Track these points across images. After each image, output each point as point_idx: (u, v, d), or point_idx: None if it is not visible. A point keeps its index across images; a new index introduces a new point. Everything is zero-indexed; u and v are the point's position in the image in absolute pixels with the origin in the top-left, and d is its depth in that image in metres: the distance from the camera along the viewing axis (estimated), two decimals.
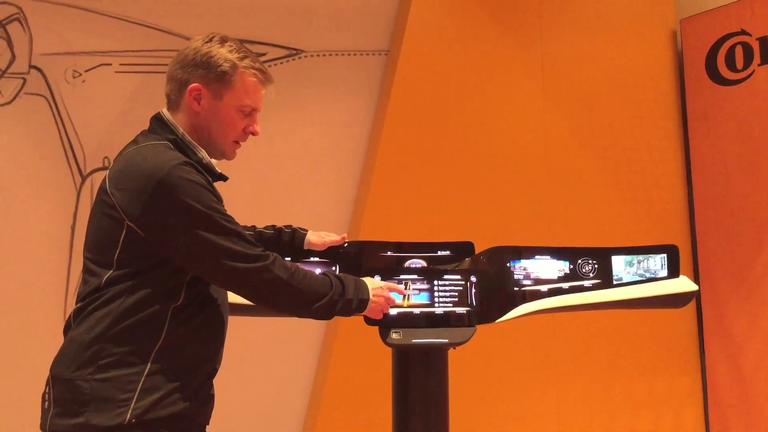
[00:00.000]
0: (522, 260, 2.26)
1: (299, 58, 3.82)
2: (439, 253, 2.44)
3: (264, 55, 3.75)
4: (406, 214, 3.70)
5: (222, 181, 1.82)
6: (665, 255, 2.36)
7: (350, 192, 3.80)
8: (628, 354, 4.07)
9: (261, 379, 3.62)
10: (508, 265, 2.24)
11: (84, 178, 3.48)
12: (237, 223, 1.69)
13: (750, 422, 3.95)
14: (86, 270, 1.69)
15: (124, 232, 1.62)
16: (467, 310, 2.11)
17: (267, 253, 1.70)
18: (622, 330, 4.04)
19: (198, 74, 1.74)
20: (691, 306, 4.14)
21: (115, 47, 3.53)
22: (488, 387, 3.79)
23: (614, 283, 2.31)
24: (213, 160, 1.83)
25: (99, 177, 3.48)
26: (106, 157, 3.47)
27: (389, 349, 2.15)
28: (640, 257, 2.34)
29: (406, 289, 2.07)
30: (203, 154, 1.75)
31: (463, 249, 2.46)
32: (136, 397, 1.58)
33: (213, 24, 3.67)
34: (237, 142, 1.82)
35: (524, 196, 4.00)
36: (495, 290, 2.19)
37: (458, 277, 2.12)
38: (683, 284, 2.35)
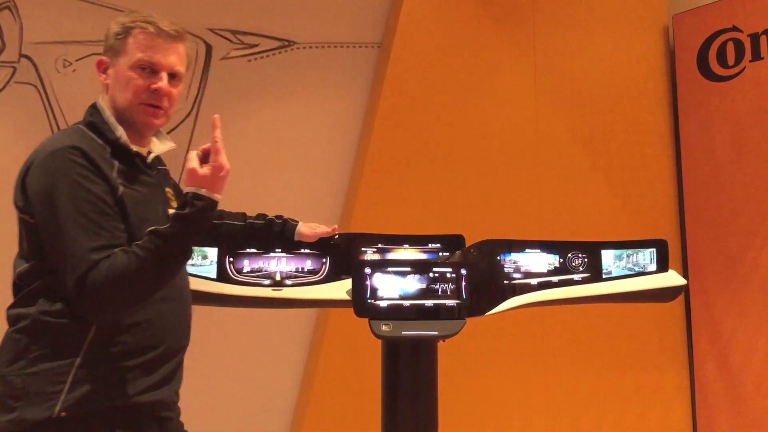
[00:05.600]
0: (512, 254, 2.27)
1: (292, 49, 3.81)
2: (430, 246, 2.45)
3: (256, 46, 3.74)
4: (397, 207, 3.71)
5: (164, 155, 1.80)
6: (654, 249, 2.38)
7: (341, 184, 3.80)
8: (616, 348, 4.09)
9: (250, 372, 3.62)
10: (498, 258, 2.25)
11: None
12: (103, 224, 1.58)
13: (737, 416, 3.98)
14: (13, 265, 1.69)
15: (21, 223, 1.64)
16: (457, 303, 2.11)
17: (101, 258, 1.56)
18: (610, 324, 4.06)
19: (104, 48, 1.74)
20: (680, 300, 4.17)
21: None
22: (477, 380, 3.80)
23: (603, 276, 2.33)
24: (156, 140, 1.82)
25: None
26: None
27: (379, 343, 2.16)
28: (630, 251, 2.35)
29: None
30: (120, 132, 1.70)
31: (453, 242, 2.47)
32: (66, 389, 1.55)
33: (205, 14, 3.66)
34: (149, 105, 1.72)
35: (515, 190, 4.01)
36: (485, 283, 2.20)
37: (449, 269, 2.13)
38: (672, 278, 2.37)
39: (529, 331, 3.92)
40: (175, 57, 1.75)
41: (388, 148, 3.75)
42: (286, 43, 3.80)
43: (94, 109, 1.74)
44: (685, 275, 4.12)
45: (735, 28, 4.15)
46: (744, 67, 4.10)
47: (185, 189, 1.62)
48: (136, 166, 1.72)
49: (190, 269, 2.19)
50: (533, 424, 3.91)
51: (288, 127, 3.77)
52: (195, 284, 2.17)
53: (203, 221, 1.62)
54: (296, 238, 2.27)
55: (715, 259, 4.12)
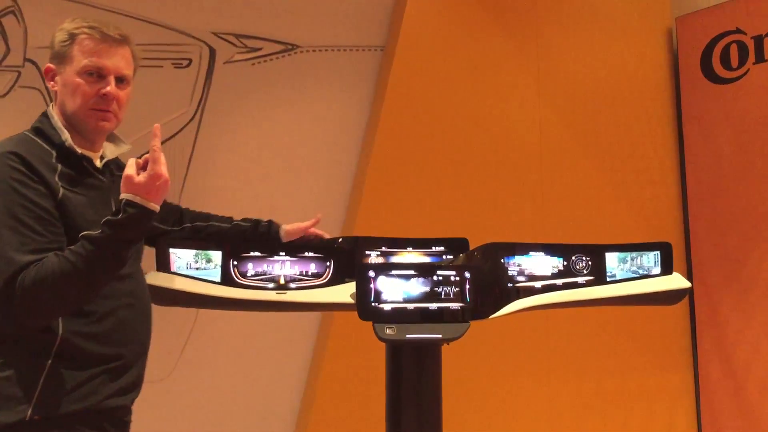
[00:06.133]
0: (516, 256, 2.27)
1: (295, 53, 3.81)
2: (434, 249, 2.45)
3: (260, 49, 3.75)
4: (400, 210, 3.71)
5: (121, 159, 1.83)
6: (658, 252, 2.37)
7: (345, 187, 3.80)
8: (620, 351, 4.08)
9: (254, 375, 3.62)
10: (502, 261, 2.24)
11: None
12: (36, 228, 1.60)
13: (742, 419, 3.97)
14: None
15: None
16: (461, 306, 2.11)
17: (32, 260, 1.58)
18: (614, 327, 4.05)
19: (50, 56, 1.78)
20: (684, 303, 4.16)
21: None
22: (481, 383, 3.80)
23: (607, 279, 2.32)
24: (111, 144, 1.86)
25: None
26: None
27: (383, 345, 2.16)
28: (634, 254, 2.35)
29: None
30: (66, 136, 1.73)
31: (457, 245, 2.47)
32: (37, 393, 1.59)
33: (209, 18, 3.66)
34: (99, 111, 1.75)
35: (519, 193, 4.00)
36: (489, 286, 2.20)
37: (452, 272, 2.13)
38: (676, 281, 2.36)
39: (533, 334, 3.91)
40: (121, 60, 1.77)
41: (391, 151, 3.75)
42: (290, 47, 3.80)
43: (43, 116, 1.79)
44: (690, 278, 4.11)
45: (738, 30, 4.14)
46: (748, 69, 4.10)
47: (120, 196, 1.62)
48: (83, 169, 1.74)
49: (194, 273, 2.19)
50: (538, 427, 3.90)
51: (291, 131, 3.77)
52: (199, 288, 2.17)
53: (136, 229, 1.62)
54: (285, 238, 2.29)
55: (719, 262, 4.12)
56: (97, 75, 1.74)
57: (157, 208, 1.64)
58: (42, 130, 1.74)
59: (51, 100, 1.83)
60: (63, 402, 1.61)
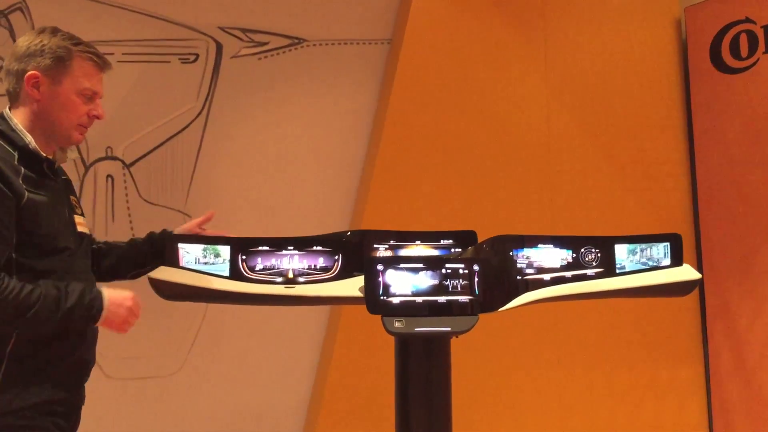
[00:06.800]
0: (525, 249, 2.26)
1: (302, 47, 3.81)
2: (442, 242, 2.45)
3: (266, 44, 3.75)
4: (408, 203, 3.70)
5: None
6: (668, 243, 2.36)
7: (353, 181, 3.80)
8: (630, 343, 4.07)
9: (263, 371, 3.63)
10: (511, 254, 2.24)
11: (87, 168, 3.49)
12: None
13: (753, 411, 3.96)
14: None
15: None
16: (470, 299, 2.11)
17: None
18: (624, 319, 4.04)
19: (34, 62, 1.81)
20: (694, 295, 4.14)
21: (117, 36, 3.52)
22: (490, 376, 3.80)
23: (617, 271, 2.31)
24: (59, 151, 1.92)
25: (102, 166, 3.49)
26: (108, 147, 3.48)
27: (392, 339, 2.16)
28: (643, 246, 2.33)
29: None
30: (30, 139, 1.79)
31: (465, 238, 2.46)
32: None
33: (215, 13, 3.66)
34: (82, 126, 1.90)
35: (527, 185, 3.99)
36: (498, 279, 2.19)
37: (461, 265, 2.12)
38: (686, 273, 2.35)
39: (542, 327, 3.91)
40: (102, 84, 1.94)
41: (399, 144, 3.74)
42: (296, 41, 3.80)
43: (1, 118, 1.83)
44: (700, 269, 4.09)
45: (748, 20, 4.11)
46: (758, 59, 4.07)
47: (104, 294, 1.77)
48: (42, 172, 1.81)
49: (203, 268, 2.20)
50: (547, 421, 3.90)
51: (298, 125, 3.78)
52: (208, 282, 2.18)
53: (81, 318, 1.74)
54: (177, 233, 2.29)
55: (729, 253, 4.09)
56: (90, 97, 1.87)
57: (97, 325, 1.80)
58: (3, 132, 1.79)
59: (14, 101, 1.86)
60: (21, 397, 1.68)
